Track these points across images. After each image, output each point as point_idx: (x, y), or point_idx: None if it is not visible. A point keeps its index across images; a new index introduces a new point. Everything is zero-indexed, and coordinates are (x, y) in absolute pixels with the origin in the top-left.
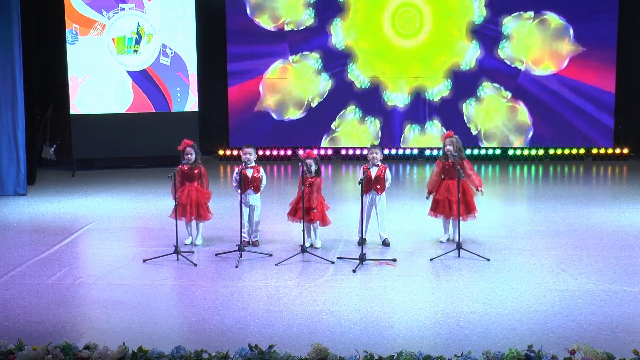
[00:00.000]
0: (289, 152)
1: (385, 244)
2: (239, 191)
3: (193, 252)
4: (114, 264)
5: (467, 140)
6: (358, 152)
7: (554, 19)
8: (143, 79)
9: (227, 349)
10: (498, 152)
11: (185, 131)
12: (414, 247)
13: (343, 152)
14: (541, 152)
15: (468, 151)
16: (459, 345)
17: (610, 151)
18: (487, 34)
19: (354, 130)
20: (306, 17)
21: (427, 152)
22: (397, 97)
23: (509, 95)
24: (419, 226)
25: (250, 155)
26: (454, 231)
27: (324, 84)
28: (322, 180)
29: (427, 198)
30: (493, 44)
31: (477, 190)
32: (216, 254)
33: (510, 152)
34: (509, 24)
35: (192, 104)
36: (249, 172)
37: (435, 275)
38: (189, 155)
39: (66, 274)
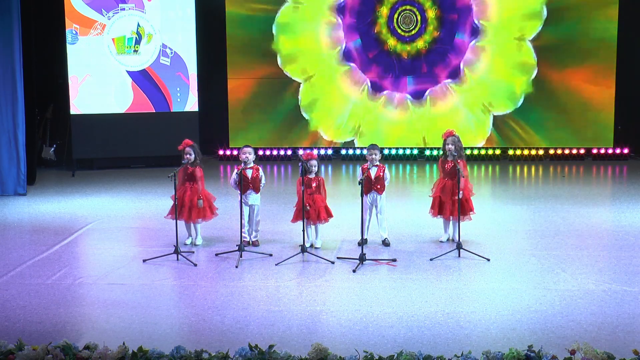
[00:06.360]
0: (289, 152)
1: (385, 244)
2: (239, 191)
3: (193, 252)
4: (114, 264)
5: None
6: (358, 152)
7: None
8: (143, 79)
9: (227, 349)
10: (498, 152)
11: (185, 131)
12: (414, 247)
13: (343, 152)
14: (541, 152)
15: (468, 152)
16: (459, 345)
17: (610, 151)
18: None
19: None
20: None
21: (427, 152)
22: None
23: None
24: (419, 226)
25: (249, 155)
26: (454, 231)
27: None
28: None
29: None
30: None
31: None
32: (216, 254)
33: (510, 152)
34: None
35: (192, 104)
36: (249, 172)
37: (435, 275)
38: (188, 155)
39: (66, 274)
